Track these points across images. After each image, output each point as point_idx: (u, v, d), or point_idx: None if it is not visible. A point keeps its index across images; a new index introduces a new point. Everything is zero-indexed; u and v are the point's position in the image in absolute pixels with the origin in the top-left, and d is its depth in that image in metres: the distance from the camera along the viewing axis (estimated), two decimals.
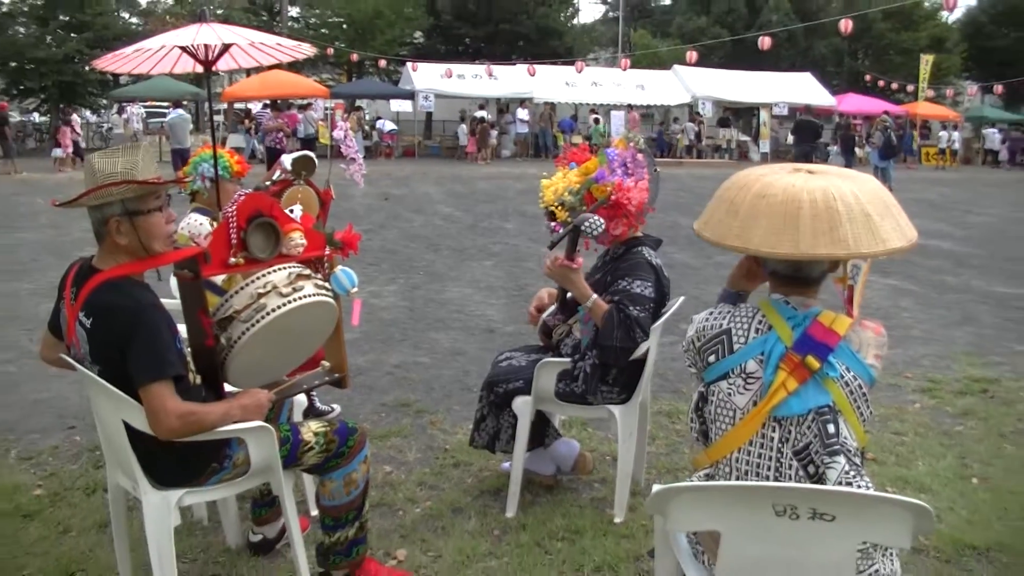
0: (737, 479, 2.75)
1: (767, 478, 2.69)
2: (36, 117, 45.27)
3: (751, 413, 2.69)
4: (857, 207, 2.53)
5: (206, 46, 4.12)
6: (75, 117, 33.25)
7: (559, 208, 4.44)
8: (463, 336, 8.34)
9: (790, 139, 32.29)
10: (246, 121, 34.29)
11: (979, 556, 4.29)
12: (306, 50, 4.94)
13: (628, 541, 4.30)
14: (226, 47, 4.26)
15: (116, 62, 4.28)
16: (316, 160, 5.65)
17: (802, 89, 37.76)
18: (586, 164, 4.49)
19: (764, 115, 37.28)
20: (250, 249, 3.71)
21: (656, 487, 2.49)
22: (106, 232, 3.29)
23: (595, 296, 4.32)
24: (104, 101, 43.02)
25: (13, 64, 37.97)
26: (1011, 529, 4.53)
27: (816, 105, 36.72)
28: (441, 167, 30.36)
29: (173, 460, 3.38)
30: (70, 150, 28.11)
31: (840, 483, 2.58)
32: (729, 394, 2.75)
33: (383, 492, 4.90)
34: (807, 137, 25.42)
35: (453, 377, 6.98)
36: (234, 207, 3.73)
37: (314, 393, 5.90)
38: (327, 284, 3.92)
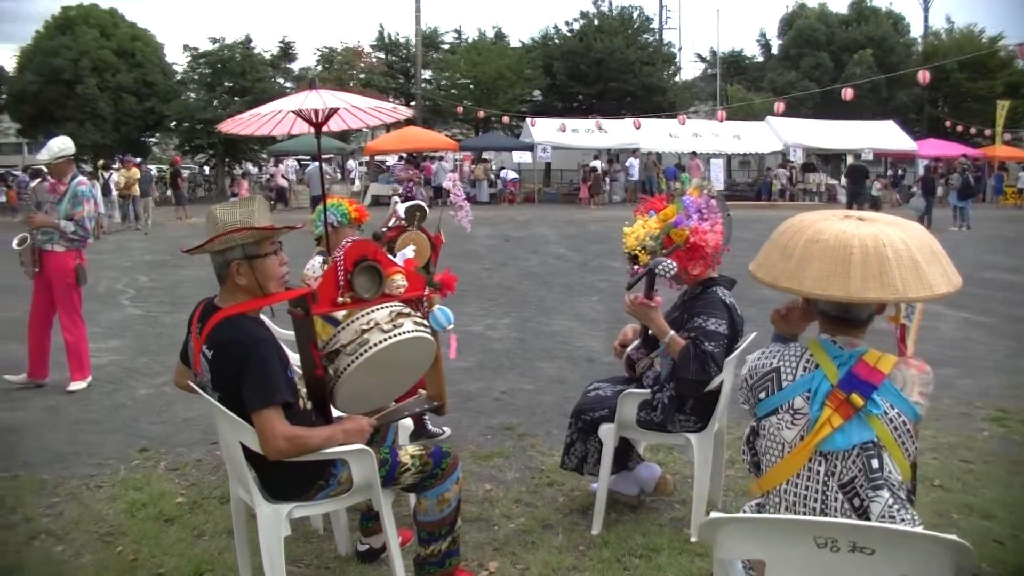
0: (785, 509, 2.67)
1: (813, 510, 2.61)
2: (206, 170, 47.08)
3: (798, 447, 2.62)
4: (906, 253, 2.46)
5: (315, 110, 4.19)
6: (251, 169, 34.46)
7: (641, 252, 4.39)
8: (566, 365, 8.29)
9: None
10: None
11: None
12: (403, 112, 5.00)
13: (702, 560, 4.19)
14: (333, 111, 4.32)
15: (237, 126, 4.40)
16: (427, 208, 5.68)
17: (885, 136, 36.86)
18: (664, 211, 4.44)
19: (850, 160, 36.44)
20: (356, 289, 3.78)
21: (712, 515, 2.41)
22: (227, 274, 3.39)
23: (672, 332, 4.28)
24: (264, 155, 44.39)
25: (186, 124, 39.57)
26: None
27: (897, 150, 35.89)
28: (557, 212, 30.45)
29: (284, 477, 3.45)
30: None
31: (883, 516, 2.50)
32: (778, 429, 2.67)
33: (482, 507, 4.89)
34: (858, 179, 26.92)
35: (554, 403, 6.92)
36: (342, 252, 3.77)
37: (426, 417, 5.91)
38: (426, 321, 3.92)
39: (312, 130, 4.37)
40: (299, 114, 4.33)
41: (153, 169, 37.48)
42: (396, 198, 6.65)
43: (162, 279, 14.69)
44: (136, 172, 26.03)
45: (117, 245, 20.93)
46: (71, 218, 7.47)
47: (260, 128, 4.51)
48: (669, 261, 4.13)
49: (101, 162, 28.74)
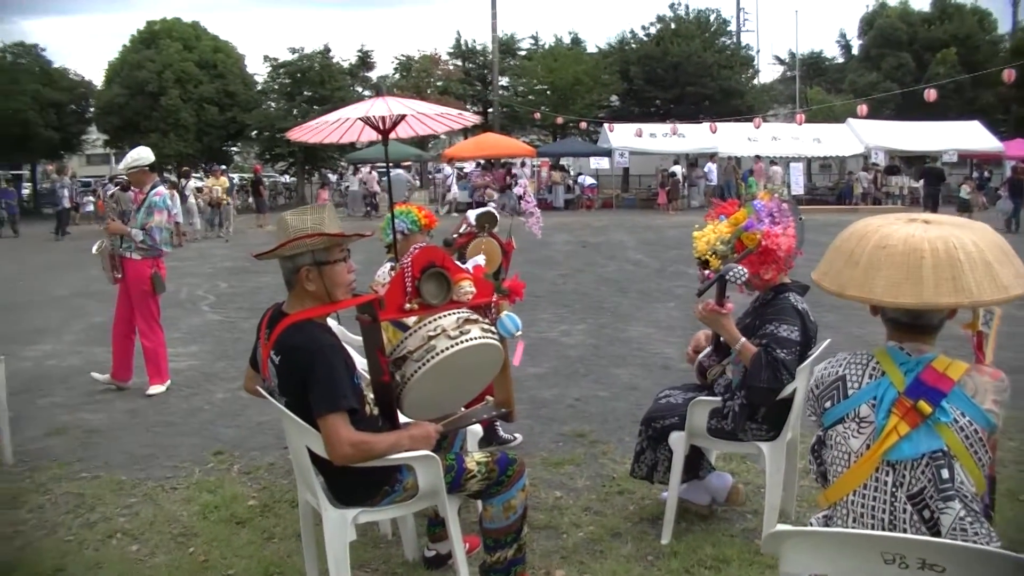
0: (853, 521, 2.59)
1: (882, 521, 2.53)
2: (285, 178, 47.87)
3: (864, 456, 2.55)
4: (978, 256, 2.38)
5: (381, 117, 4.23)
6: (330, 178, 34.81)
7: (712, 257, 4.34)
8: (640, 372, 8.23)
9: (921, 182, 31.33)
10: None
11: None
12: (469, 118, 5.01)
13: (772, 572, 4.11)
14: (400, 118, 4.35)
15: (306, 133, 4.45)
16: (498, 215, 5.69)
17: (970, 136, 35.73)
18: (735, 215, 4.38)
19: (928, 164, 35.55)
20: (423, 296, 3.78)
21: (778, 527, 2.36)
22: (296, 280, 3.44)
23: (743, 339, 4.21)
24: (343, 163, 44.95)
25: (266, 133, 40.24)
26: None
27: (983, 151, 34.99)
28: (635, 217, 30.27)
29: (350, 482, 3.50)
30: None
31: (955, 529, 2.40)
32: (844, 438, 2.60)
33: (551, 515, 4.87)
34: (933, 181, 27.76)
35: (627, 410, 6.87)
36: (410, 259, 3.79)
37: (497, 423, 5.91)
38: (493, 328, 3.91)
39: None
40: (366, 121, 4.37)
41: (235, 178, 38.26)
42: (492, 204, 6.66)
43: (241, 285, 14.97)
44: (224, 181, 26.62)
45: (199, 252, 21.40)
46: (145, 227, 7.66)
47: (329, 136, 4.57)
48: (740, 267, 4.06)
49: (184, 169, 29.40)
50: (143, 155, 7.89)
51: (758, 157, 34.10)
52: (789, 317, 4.21)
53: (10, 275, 17.58)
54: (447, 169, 34.73)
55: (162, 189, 7.93)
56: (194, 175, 29.89)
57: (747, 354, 4.16)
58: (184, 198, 25.34)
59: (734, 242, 4.31)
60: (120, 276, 7.83)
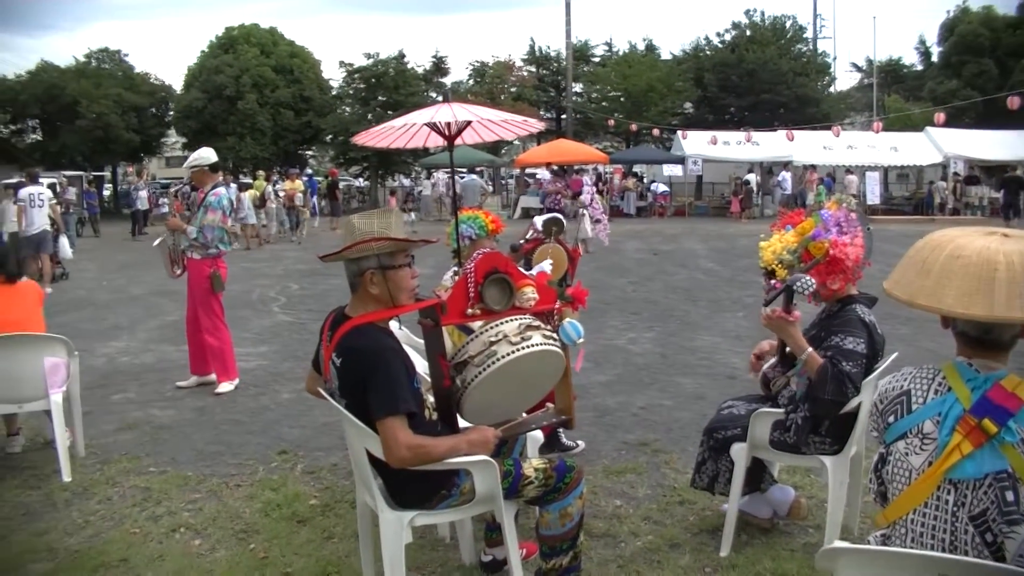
0: (912, 541, 2.53)
1: (942, 542, 2.47)
2: (360, 182, 48.42)
3: (926, 474, 2.48)
4: None
5: (447, 123, 4.25)
6: (404, 182, 35.03)
7: (778, 266, 4.28)
8: (707, 381, 8.15)
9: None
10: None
11: None
12: (534, 125, 5.01)
13: None
14: (466, 123, 4.38)
15: (372, 138, 4.50)
16: (565, 221, 5.69)
17: None
18: (802, 225, 4.32)
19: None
20: (486, 301, 3.81)
21: (835, 543, 2.32)
22: (360, 283, 3.48)
23: (810, 349, 4.13)
24: (417, 168, 45.31)
25: (341, 137, 40.74)
26: None
27: None
28: (708, 225, 30.03)
29: (408, 485, 3.52)
30: None
31: (1020, 555, 2.33)
32: (906, 454, 2.54)
33: (610, 523, 4.85)
34: (1013, 190, 27.17)
35: (691, 420, 6.80)
36: (473, 264, 3.80)
37: (560, 430, 5.90)
38: (555, 335, 3.91)
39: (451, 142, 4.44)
40: (432, 127, 4.40)
41: (312, 180, 38.78)
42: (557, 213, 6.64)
43: (313, 287, 15.19)
44: (299, 184, 27.01)
45: (272, 254, 21.77)
46: (200, 226, 7.86)
47: (395, 141, 4.61)
48: (807, 278, 4.00)
49: (261, 173, 29.88)
50: (204, 155, 8.10)
51: (813, 167, 33.58)
52: (855, 329, 4.13)
53: (92, 274, 18.07)
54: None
55: (220, 190, 8.08)
56: (273, 179, 30.33)
57: (813, 365, 4.09)
58: (263, 201, 25.76)
59: (801, 251, 4.24)
60: (180, 272, 8.08)
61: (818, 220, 4.24)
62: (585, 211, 20.23)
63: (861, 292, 4.35)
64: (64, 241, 17.56)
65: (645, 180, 39.39)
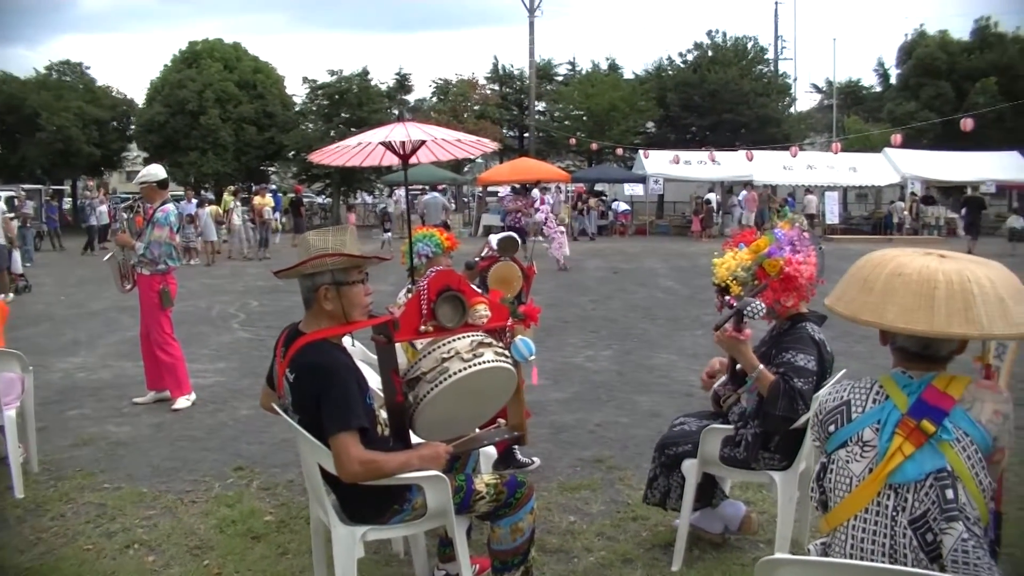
0: (852, 547, 2.61)
1: (882, 547, 2.54)
2: (321, 199, 48.30)
3: (867, 480, 2.57)
4: (991, 291, 2.41)
5: (401, 143, 4.31)
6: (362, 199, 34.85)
7: (733, 283, 4.37)
8: (663, 399, 8.21)
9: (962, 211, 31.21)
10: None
11: None
12: (488, 145, 5.08)
13: None
14: (420, 143, 4.43)
15: (328, 156, 4.54)
16: (520, 239, 5.75)
17: (1009, 167, 35.27)
18: (756, 243, 4.41)
19: (969, 193, 35.15)
20: (439, 318, 3.85)
21: (777, 554, 2.38)
22: (315, 299, 3.53)
23: (761, 367, 4.21)
24: (379, 185, 45.22)
25: (304, 154, 40.55)
26: None
27: (1022, 182, 34.71)
28: (669, 244, 30.26)
29: (360, 500, 3.56)
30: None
31: (956, 551, 2.41)
32: (847, 462, 2.63)
33: (564, 539, 4.90)
34: (974, 210, 27.68)
35: (647, 437, 6.85)
36: (426, 281, 3.85)
37: (515, 446, 5.94)
38: (507, 352, 3.96)
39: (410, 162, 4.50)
40: (387, 146, 4.45)
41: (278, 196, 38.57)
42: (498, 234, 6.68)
43: (274, 304, 15.12)
44: (269, 200, 26.80)
45: (232, 270, 21.66)
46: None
47: (351, 159, 4.66)
48: (758, 302, 4.07)
49: (230, 188, 29.72)
50: (153, 172, 8.14)
51: (751, 185, 34.02)
52: (807, 347, 4.22)
53: (50, 288, 17.91)
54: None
55: (168, 206, 8.07)
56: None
57: (764, 381, 4.16)
58: (228, 216, 25.54)
59: (755, 269, 4.33)
60: (130, 287, 8.09)
61: (772, 239, 4.34)
62: (562, 230, 20.45)
63: (811, 311, 4.44)
64: (16, 255, 17.38)
65: (607, 199, 39.55)
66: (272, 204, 27.12)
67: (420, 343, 4.45)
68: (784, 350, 4.25)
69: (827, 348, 4.34)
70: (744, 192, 34.95)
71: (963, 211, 29.65)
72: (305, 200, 38.78)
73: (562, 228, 21.35)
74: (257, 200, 26.79)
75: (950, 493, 2.44)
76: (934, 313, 2.39)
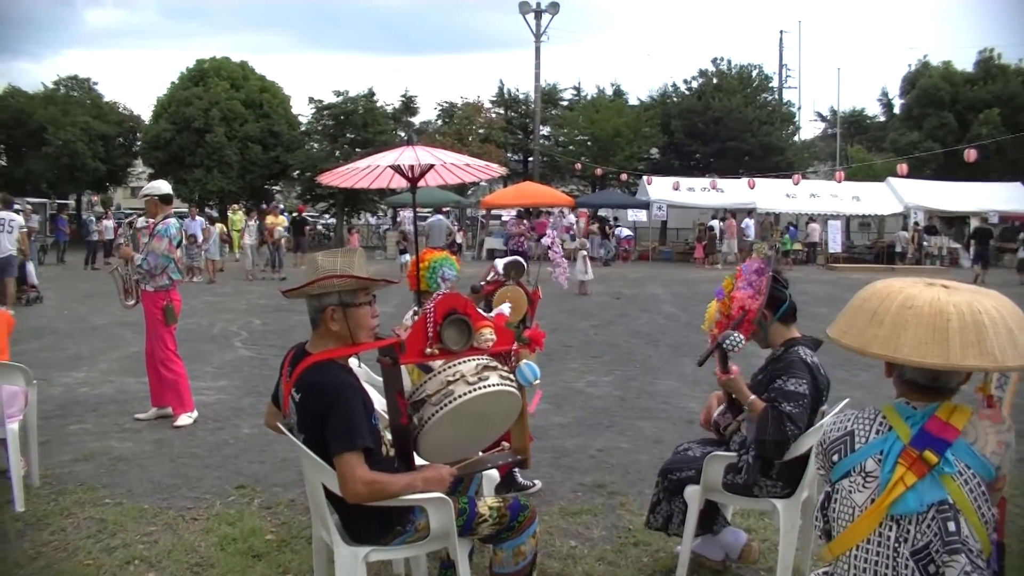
0: None
1: None
2: (324, 219, 48.42)
3: (869, 509, 2.57)
4: (1001, 321, 2.44)
5: (410, 166, 4.35)
6: (366, 220, 34.87)
7: (711, 330, 4.52)
8: (665, 425, 8.21)
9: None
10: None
11: None
12: (495, 169, 5.11)
13: None
14: (429, 166, 4.47)
15: (337, 178, 4.58)
16: (526, 264, 5.76)
17: (1011, 198, 35.49)
18: (726, 280, 4.52)
19: (974, 223, 35.26)
20: (444, 341, 3.87)
21: None
22: (321, 319, 3.55)
23: (753, 397, 4.27)
24: (383, 207, 45.34)
25: (308, 174, 40.78)
26: None
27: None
28: (671, 270, 30.27)
29: (363, 520, 3.57)
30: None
31: None
32: (849, 491, 2.64)
33: (564, 564, 4.90)
34: (982, 240, 27.95)
35: (649, 463, 6.86)
36: (432, 304, 3.87)
37: (516, 470, 5.94)
38: (512, 376, 3.98)
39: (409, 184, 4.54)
40: (395, 169, 4.48)
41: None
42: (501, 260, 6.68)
43: (277, 323, 15.15)
44: (283, 220, 26.50)
45: (235, 289, 21.69)
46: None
47: (359, 181, 4.69)
48: (736, 334, 4.14)
49: (238, 207, 29.73)
50: (157, 186, 8.21)
51: (730, 213, 34.10)
52: (798, 371, 4.24)
53: (53, 302, 17.94)
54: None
55: (170, 220, 8.10)
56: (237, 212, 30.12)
57: (756, 410, 4.22)
58: (236, 234, 25.39)
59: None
60: (133, 303, 8.12)
61: (732, 279, 4.45)
62: (584, 252, 20.54)
63: (804, 335, 4.48)
64: (30, 266, 17.45)
65: (618, 222, 39.59)
66: (285, 223, 26.89)
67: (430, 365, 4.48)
68: (776, 376, 4.28)
69: (821, 371, 4.36)
70: (747, 219, 35.06)
71: (971, 241, 29.81)
72: (310, 220, 38.93)
73: (585, 251, 21.40)
74: (270, 219, 26.31)
75: (952, 526, 2.45)
76: (949, 346, 2.40)
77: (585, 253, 21.66)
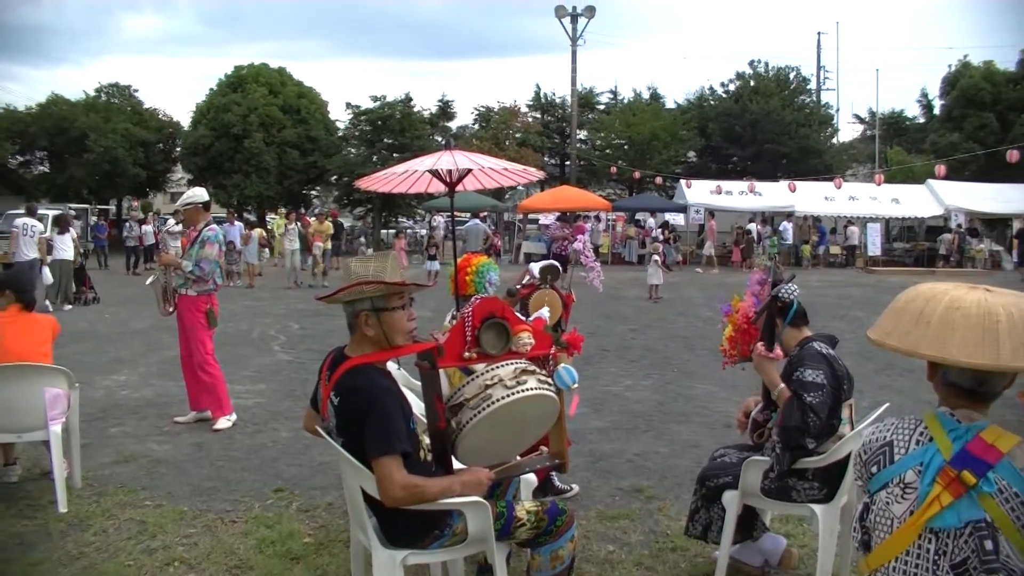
0: None
1: None
2: (361, 224, 48.65)
3: (907, 522, 2.53)
4: None
5: (448, 171, 4.36)
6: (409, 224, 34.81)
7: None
8: (702, 430, 8.17)
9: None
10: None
11: None
12: (533, 174, 5.10)
13: None
14: (467, 171, 4.48)
15: (375, 183, 4.60)
16: (561, 268, 5.75)
17: None
18: (735, 299, 4.65)
19: (1017, 225, 34.71)
20: (482, 345, 3.87)
21: None
22: (356, 324, 3.57)
23: (782, 385, 4.32)
24: (420, 211, 45.50)
25: (345, 179, 41.00)
26: None
27: None
28: (707, 275, 30.04)
29: (401, 524, 3.57)
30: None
31: None
32: (888, 503, 2.59)
33: (602, 568, 4.89)
34: None
35: (686, 468, 6.82)
36: (471, 308, 3.87)
37: (554, 474, 5.93)
38: (550, 380, 3.97)
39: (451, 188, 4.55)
40: (434, 174, 4.50)
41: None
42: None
43: (315, 327, 15.22)
44: (329, 226, 25.93)
45: (273, 293, 21.84)
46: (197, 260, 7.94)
47: (397, 186, 4.71)
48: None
49: (282, 211, 29.85)
50: (198, 193, 8.27)
51: (711, 213, 33.89)
52: (813, 362, 4.26)
53: (94, 306, 18.17)
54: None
55: (215, 226, 8.20)
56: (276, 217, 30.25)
57: (783, 398, 4.28)
58: (279, 239, 25.41)
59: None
60: (171, 310, 8.15)
61: (740, 296, 4.51)
62: (655, 257, 20.51)
63: (818, 333, 4.52)
64: (46, 271, 17.64)
65: (646, 226, 39.42)
66: (331, 231, 26.26)
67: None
68: (794, 370, 4.31)
69: (839, 362, 4.38)
70: (785, 222, 34.80)
71: (1014, 243, 29.29)
72: (345, 224, 39.06)
73: (658, 255, 21.34)
74: (315, 226, 25.59)
75: (989, 544, 2.40)
76: (999, 347, 2.37)
77: (659, 258, 21.51)
